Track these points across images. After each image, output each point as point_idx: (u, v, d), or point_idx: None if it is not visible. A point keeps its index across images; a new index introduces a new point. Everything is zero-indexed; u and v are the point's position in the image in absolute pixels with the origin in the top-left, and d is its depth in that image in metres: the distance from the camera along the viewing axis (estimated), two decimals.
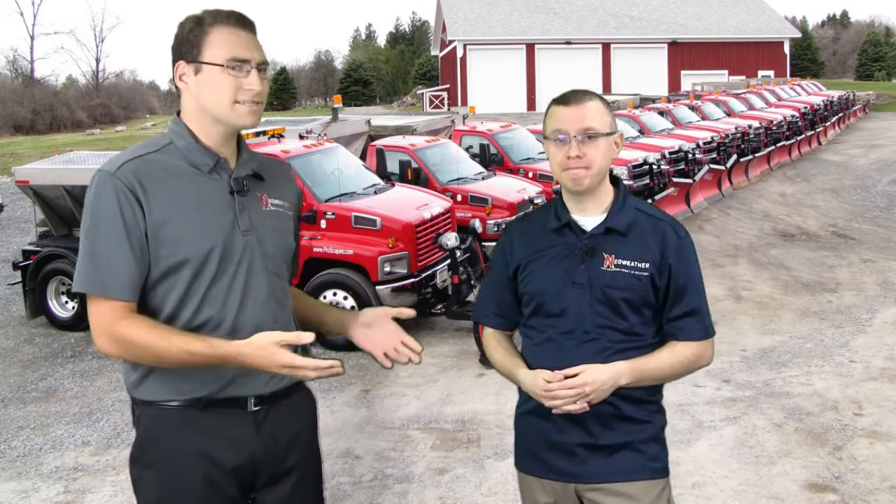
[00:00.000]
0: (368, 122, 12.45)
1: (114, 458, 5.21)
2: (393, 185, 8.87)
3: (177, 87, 2.07)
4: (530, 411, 2.28)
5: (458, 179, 10.04)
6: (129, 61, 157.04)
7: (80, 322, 8.16)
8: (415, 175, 9.55)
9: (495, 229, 9.45)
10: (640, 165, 12.76)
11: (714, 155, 15.87)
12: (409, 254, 7.50)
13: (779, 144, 19.18)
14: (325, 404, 5.86)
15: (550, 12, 44.36)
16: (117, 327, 1.93)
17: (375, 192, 8.30)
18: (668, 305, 2.18)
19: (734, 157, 16.17)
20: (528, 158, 12.09)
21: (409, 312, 2.22)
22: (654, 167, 12.91)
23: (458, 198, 9.58)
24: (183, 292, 1.99)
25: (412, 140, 10.69)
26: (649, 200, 11.09)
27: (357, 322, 2.25)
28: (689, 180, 13.63)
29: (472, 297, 7.85)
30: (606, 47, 42.86)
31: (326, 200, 7.70)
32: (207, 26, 1.98)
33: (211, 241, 1.98)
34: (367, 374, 6.69)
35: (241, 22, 2.01)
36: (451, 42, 42.97)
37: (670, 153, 14.16)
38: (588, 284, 2.16)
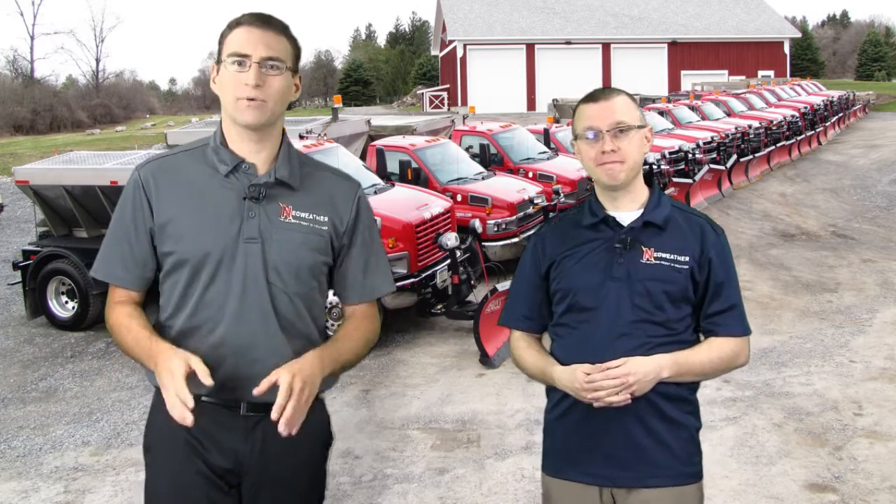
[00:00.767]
0: (368, 122, 12.46)
1: (114, 458, 5.21)
2: (393, 185, 8.87)
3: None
4: (565, 412, 2.23)
5: (458, 179, 10.04)
6: (129, 61, 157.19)
7: (80, 322, 8.17)
8: (415, 175, 9.55)
9: (495, 229, 9.46)
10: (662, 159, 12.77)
11: (714, 155, 15.87)
12: (409, 254, 7.50)
13: (779, 144, 19.17)
14: (325, 404, 5.86)
15: (550, 12, 44.37)
16: (107, 311, 2.11)
17: (375, 192, 8.30)
18: (707, 301, 2.17)
19: (734, 157, 16.17)
20: (528, 158, 12.08)
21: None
22: (655, 167, 12.91)
23: (458, 198, 9.58)
24: (182, 292, 2.05)
25: (412, 140, 10.69)
26: None
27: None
28: (689, 180, 13.63)
29: (472, 298, 7.85)
30: (606, 47, 42.86)
31: None
32: (232, 28, 2.04)
33: (208, 245, 2.00)
34: (367, 374, 6.69)
35: (260, 20, 2.03)
36: (451, 42, 42.97)
37: (670, 153, 14.17)
38: (627, 278, 2.14)
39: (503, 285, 6.86)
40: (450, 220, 8.35)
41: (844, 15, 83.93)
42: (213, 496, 2.07)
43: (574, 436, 2.22)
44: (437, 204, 8.32)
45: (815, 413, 5.46)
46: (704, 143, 15.93)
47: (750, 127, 18.91)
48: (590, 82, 38.46)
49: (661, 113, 18.08)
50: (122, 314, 2.06)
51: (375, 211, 8.76)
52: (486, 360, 6.73)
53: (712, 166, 14.52)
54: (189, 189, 2.04)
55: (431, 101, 42.65)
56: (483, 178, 10.31)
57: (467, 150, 11.66)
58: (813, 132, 22.29)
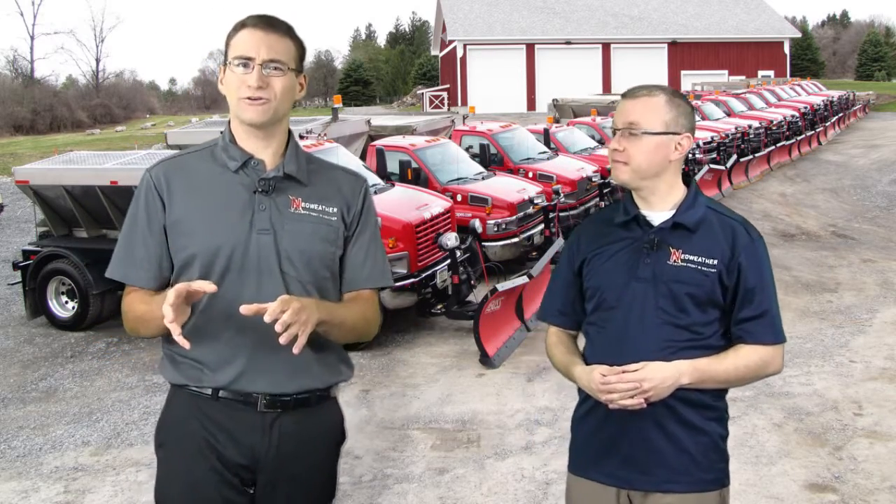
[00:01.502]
0: (368, 122, 12.45)
1: (114, 458, 5.21)
2: (393, 185, 8.87)
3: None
4: (588, 412, 2.23)
5: (458, 179, 10.04)
6: (129, 61, 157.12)
7: (80, 322, 8.17)
8: (415, 175, 9.55)
9: (495, 229, 9.46)
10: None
11: (714, 155, 15.87)
12: (409, 254, 7.50)
13: (779, 144, 19.18)
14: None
15: (550, 12, 44.36)
16: (124, 304, 2.14)
17: (375, 193, 8.29)
18: (737, 307, 2.12)
19: (734, 157, 16.17)
20: (528, 158, 12.08)
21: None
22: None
23: (458, 198, 9.58)
24: None
25: (412, 140, 10.69)
26: None
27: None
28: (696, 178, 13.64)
29: (472, 298, 7.85)
30: (606, 47, 42.86)
31: None
32: (237, 30, 2.09)
33: (220, 239, 2.05)
34: (367, 374, 6.69)
35: (264, 22, 2.08)
36: (451, 42, 42.97)
37: None
38: (652, 279, 2.12)
39: (503, 285, 6.86)
40: (450, 220, 8.35)
41: (844, 15, 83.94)
42: (226, 493, 2.10)
43: (595, 436, 2.22)
44: (437, 204, 8.32)
45: (815, 413, 5.46)
46: (704, 143, 15.93)
47: (750, 127, 18.92)
48: (590, 82, 38.31)
49: None
50: (140, 294, 2.10)
51: (375, 211, 8.74)
52: (486, 360, 6.73)
53: (712, 166, 14.52)
54: (200, 186, 2.10)
55: (431, 101, 42.65)
56: (483, 178, 10.31)
57: (467, 150, 11.66)
58: (813, 132, 22.29)
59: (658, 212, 2.18)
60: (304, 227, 2.11)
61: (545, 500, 4.42)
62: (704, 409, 2.15)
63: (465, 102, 39.08)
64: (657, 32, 43.42)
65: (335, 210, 2.15)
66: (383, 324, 7.46)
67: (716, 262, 2.11)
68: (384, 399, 6.11)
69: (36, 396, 6.53)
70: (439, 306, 7.70)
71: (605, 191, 11.77)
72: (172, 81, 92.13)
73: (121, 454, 5.26)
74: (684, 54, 43.16)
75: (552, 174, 11.52)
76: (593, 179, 12.00)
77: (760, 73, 41.12)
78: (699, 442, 2.14)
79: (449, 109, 35.41)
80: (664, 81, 41.03)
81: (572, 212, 11.22)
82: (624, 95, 2.21)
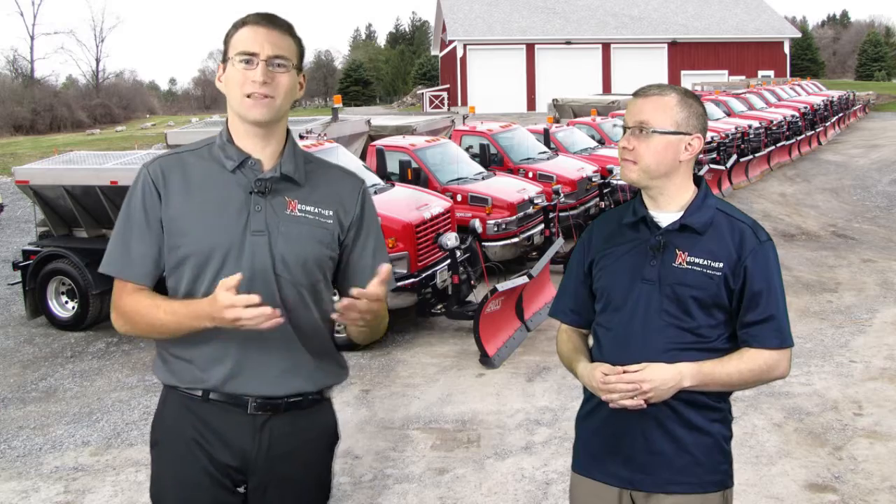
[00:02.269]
0: (368, 122, 12.46)
1: (114, 458, 5.21)
2: (393, 185, 8.87)
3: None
4: (592, 411, 2.23)
5: (458, 179, 10.04)
6: (129, 61, 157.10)
7: (80, 322, 8.17)
8: (415, 175, 9.55)
9: (495, 229, 9.46)
10: None
11: (714, 155, 15.87)
12: (409, 254, 7.50)
13: (779, 144, 19.18)
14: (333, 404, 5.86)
15: (550, 12, 44.36)
16: (120, 302, 2.08)
17: (375, 193, 8.29)
18: (743, 310, 2.10)
19: (734, 157, 16.17)
20: (528, 158, 12.09)
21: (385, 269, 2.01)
22: None
23: (458, 198, 9.58)
24: (188, 286, 2.07)
25: (412, 140, 10.70)
26: None
27: None
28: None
29: (472, 298, 7.85)
30: (606, 47, 42.86)
31: None
32: (237, 28, 2.08)
33: (214, 240, 2.03)
34: (367, 374, 6.69)
35: (266, 20, 2.07)
36: (451, 42, 42.97)
37: None
38: (657, 280, 2.11)
39: (503, 285, 6.86)
40: (450, 220, 8.35)
41: (844, 15, 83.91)
42: (218, 495, 2.09)
43: (598, 435, 2.22)
44: (437, 204, 8.32)
45: (815, 413, 5.46)
46: (704, 143, 15.91)
47: (750, 127, 18.92)
48: (590, 82, 38.28)
49: None
50: (142, 297, 2.05)
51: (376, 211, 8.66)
52: (486, 360, 6.72)
53: (712, 166, 14.52)
54: (196, 185, 2.07)
55: (431, 101, 42.64)
56: (483, 178, 10.32)
57: (467, 150, 11.66)
58: (813, 132, 22.29)
59: (666, 213, 2.18)
60: (300, 229, 2.08)
61: (545, 500, 4.42)
62: (708, 410, 2.14)
63: (465, 102, 39.07)
64: (657, 32, 43.42)
65: (331, 213, 2.13)
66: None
67: (721, 264, 2.09)
68: (384, 399, 6.11)
69: (36, 396, 6.53)
70: (439, 306, 7.70)
71: (605, 191, 11.79)
72: (172, 81, 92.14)
73: (121, 454, 5.26)
74: (684, 54, 43.15)
75: (552, 174, 11.52)
76: (593, 179, 12.00)
77: (760, 73, 41.12)
78: (702, 443, 2.14)
79: (449, 109, 35.41)
80: (664, 81, 40.87)
81: (572, 212, 11.23)
82: (635, 94, 2.20)
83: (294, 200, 2.10)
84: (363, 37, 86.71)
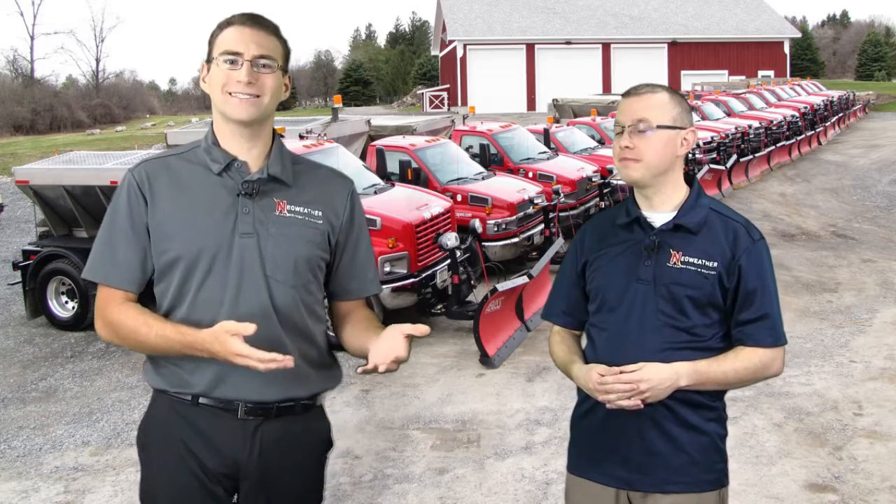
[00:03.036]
0: (368, 122, 12.46)
1: (114, 458, 5.20)
2: (393, 185, 8.87)
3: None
4: (588, 412, 2.23)
5: (458, 179, 10.04)
6: (129, 61, 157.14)
7: (80, 322, 8.16)
8: (415, 175, 9.55)
9: (495, 229, 9.46)
10: None
11: (714, 155, 15.87)
12: (409, 254, 7.50)
13: (779, 144, 19.18)
14: (325, 404, 5.86)
15: (550, 12, 44.36)
16: (108, 311, 2.04)
17: (375, 192, 8.30)
18: (737, 309, 2.11)
19: (734, 157, 16.17)
20: (528, 158, 12.09)
21: (423, 329, 1.99)
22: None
23: (458, 198, 9.58)
24: (177, 291, 2.04)
25: (412, 140, 10.70)
26: None
27: (376, 337, 2.09)
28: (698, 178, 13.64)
29: (472, 298, 7.85)
30: (606, 47, 42.86)
31: None
32: (222, 28, 2.05)
33: (202, 242, 2.00)
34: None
35: (252, 20, 2.04)
36: (451, 42, 42.96)
37: None
38: (652, 281, 2.12)
39: (503, 285, 6.86)
40: (450, 220, 8.35)
41: (844, 15, 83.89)
42: (207, 501, 2.06)
43: (594, 436, 2.22)
44: (437, 204, 8.32)
45: (815, 413, 5.46)
46: (704, 143, 15.93)
47: (750, 127, 18.93)
48: (590, 82, 38.20)
49: None
50: (131, 311, 2.02)
51: (375, 211, 8.74)
52: (486, 360, 6.72)
53: (712, 166, 14.53)
54: (182, 188, 2.04)
55: (431, 101, 42.64)
56: (483, 178, 10.32)
57: (467, 150, 11.66)
58: (813, 132, 22.29)
59: (660, 213, 2.18)
60: (290, 230, 2.06)
61: (545, 500, 4.42)
62: (703, 409, 2.15)
63: (465, 102, 39.07)
64: (657, 32, 43.41)
65: (321, 213, 2.11)
66: (383, 324, 7.46)
67: (716, 264, 2.10)
68: (384, 399, 6.11)
69: (36, 396, 6.53)
70: (439, 306, 7.70)
71: (605, 191, 11.80)
72: (172, 81, 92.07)
73: (121, 454, 5.26)
74: (684, 54, 43.15)
75: (552, 174, 11.52)
76: (593, 179, 12.00)
77: (760, 73, 41.12)
78: (699, 442, 2.14)
79: (449, 109, 35.42)
80: (664, 81, 40.95)
81: (572, 212, 11.23)
82: (626, 94, 2.19)
83: (283, 201, 2.07)
84: (363, 37, 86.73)
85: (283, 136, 9.15)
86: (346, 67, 65.75)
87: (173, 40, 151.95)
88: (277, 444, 2.08)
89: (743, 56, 43.46)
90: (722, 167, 15.03)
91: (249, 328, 1.86)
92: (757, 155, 17.35)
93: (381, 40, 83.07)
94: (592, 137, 14.79)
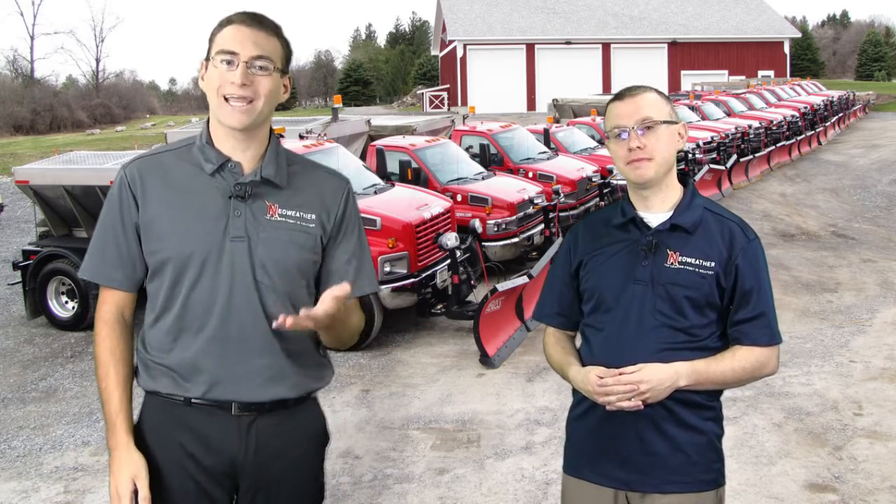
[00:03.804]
0: (368, 122, 12.46)
1: None
2: (393, 185, 8.87)
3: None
4: (584, 413, 2.22)
5: (458, 179, 10.04)
6: (129, 61, 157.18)
7: (80, 322, 8.16)
8: (415, 175, 9.55)
9: (495, 229, 9.46)
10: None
11: (714, 155, 15.88)
12: (409, 254, 7.50)
13: (779, 144, 19.18)
14: (326, 404, 5.84)
15: (550, 12, 44.36)
16: (100, 322, 2.08)
17: (375, 192, 8.30)
18: (734, 308, 2.12)
19: (734, 157, 16.17)
20: (528, 158, 12.09)
21: (343, 288, 1.91)
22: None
23: (458, 198, 9.58)
24: (167, 293, 2.02)
25: (412, 140, 10.70)
26: None
27: None
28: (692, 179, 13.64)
29: (472, 298, 7.85)
30: (606, 47, 42.86)
31: None
32: (222, 26, 2.01)
33: (192, 245, 1.98)
34: (366, 374, 6.69)
35: (252, 19, 2.00)
36: (451, 42, 42.97)
37: None
38: (650, 281, 2.11)
39: (503, 285, 6.86)
40: (450, 220, 8.35)
41: (844, 15, 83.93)
42: (203, 502, 2.05)
43: (591, 437, 2.21)
44: (437, 204, 8.32)
45: (815, 413, 5.46)
46: (704, 143, 15.93)
47: (750, 127, 18.92)
48: (590, 82, 38.22)
49: None
50: (106, 346, 2.06)
51: (375, 211, 8.71)
52: (486, 360, 6.73)
53: (712, 166, 14.53)
54: (174, 188, 2.02)
55: (431, 101, 42.64)
56: (483, 178, 10.32)
57: (467, 150, 11.66)
58: (813, 132, 22.29)
59: (656, 213, 2.18)
60: (280, 234, 2.03)
61: (545, 500, 4.42)
62: (701, 409, 2.15)
63: (465, 102, 39.08)
64: (657, 32, 43.42)
65: (313, 216, 2.07)
66: (383, 324, 7.48)
67: (713, 263, 2.10)
68: (384, 399, 6.11)
69: (36, 396, 6.53)
70: (439, 306, 7.70)
71: (605, 191, 11.79)
72: (172, 81, 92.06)
73: None
74: (684, 54, 43.16)
75: (552, 174, 11.52)
76: (593, 179, 12.00)
77: (760, 73, 41.13)
78: (696, 442, 2.15)
79: (449, 109, 35.44)
80: (664, 81, 41.13)
81: (572, 212, 11.23)
82: (620, 98, 2.18)
83: (275, 205, 2.04)
84: (363, 37, 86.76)
85: (282, 136, 9.12)
86: (346, 67, 65.74)
87: (173, 40, 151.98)
88: (273, 439, 2.06)
89: (743, 56, 43.46)
90: (722, 167, 15.03)
91: (145, 499, 1.97)
92: (757, 155, 17.35)
93: (381, 40, 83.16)
94: (592, 137, 14.79)
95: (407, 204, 8.09)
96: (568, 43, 42.57)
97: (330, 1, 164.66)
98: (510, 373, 6.53)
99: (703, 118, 19.30)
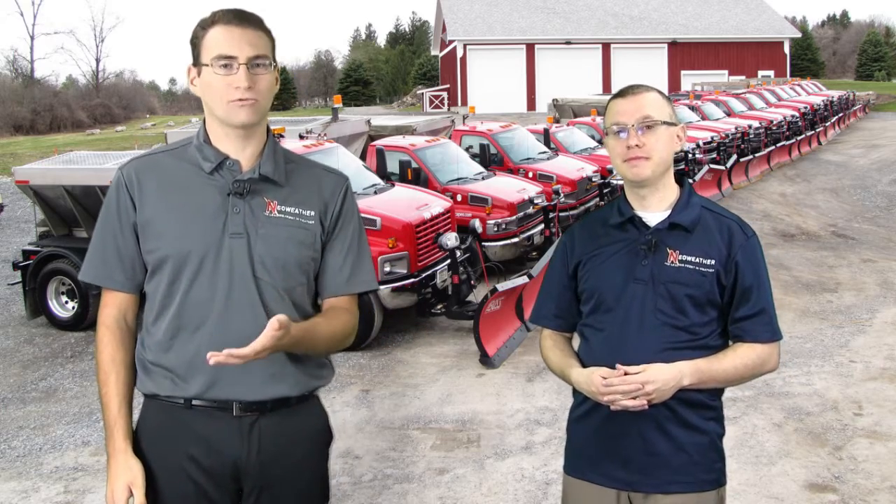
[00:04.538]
0: (368, 122, 12.46)
1: None
2: (393, 185, 8.87)
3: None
4: (586, 414, 2.21)
5: (458, 179, 10.04)
6: (129, 61, 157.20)
7: (80, 322, 8.16)
8: (415, 175, 9.55)
9: (495, 229, 9.46)
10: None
11: (714, 155, 15.88)
12: (409, 254, 7.50)
13: (779, 144, 19.18)
14: (326, 404, 5.84)
15: (550, 12, 44.37)
16: (102, 326, 2.07)
17: (375, 192, 8.30)
18: (734, 306, 2.12)
19: (734, 157, 16.17)
20: (528, 158, 12.09)
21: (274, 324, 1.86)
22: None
23: (458, 198, 9.58)
24: (165, 291, 2.02)
25: (412, 140, 10.70)
26: None
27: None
28: (689, 180, 13.62)
29: (472, 298, 7.85)
30: (606, 47, 42.86)
31: None
32: (207, 28, 1.99)
33: (191, 242, 1.98)
34: (366, 374, 6.69)
35: (238, 18, 1.98)
36: (451, 42, 42.97)
37: None
38: (650, 280, 2.11)
39: (503, 285, 6.86)
40: (450, 220, 8.35)
41: (844, 15, 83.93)
42: (216, 498, 2.04)
43: (594, 438, 2.21)
44: (437, 204, 8.32)
45: (815, 413, 5.46)
46: (704, 143, 15.93)
47: (750, 127, 18.93)
48: (590, 82, 38.23)
49: None
50: (107, 352, 2.04)
51: (375, 211, 8.71)
52: (486, 360, 6.73)
53: (712, 166, 14.52)
54: (172, 186, 2.02)
55: (431, 101, 42.64)
56: (483, 178, 10.32)
57: (467, 150, 11.66)
58: (813, 132, 22.29)
59: (653, 212, 2.18)
60: (280, 231, 2.02)
61: (545, 500, 4.42)
62: (704, 408, 2.15)
63: (465, 102, 39.07)
64: (657, 32, 43.42)
65: (312, 213, 2.07)
66: (383, 324, 7.48)
67: (713, 262, 2.10)
68: (384, 399, 6.11)
69: (36, 396, 6.53)
70: (439, 306, 7.70)
71: (605, 191, 11.79)
72: (172, 81, 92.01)
73: None
74: (684, 54, 43.15)
75: (552, 174, 11.52)
76: (593, 179, 12.00)
77: (760, 73, 41.13)
78: (699, 442, 2.14)
79: (449, 109, 35.43)
80: (664, 81, 41.14)
81: (572, 212, 11.22)
82: (621, 96, 2.18)
83: (273, 201, 2.03)
84: (363, 37, 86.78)
85: (282, 137, 9.12)
86: (346, 67, 65.75)
87: (173, 40, 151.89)
88: (275, 439, 2.05)
89: (743, 56, 43.46)
90: (722, 167, 15.03)
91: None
92: (757, 155, 17.35)
93: (381, 40, 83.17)
94: (592, 137, 14.79)
95: (407, 204, 8.09)
96: (568, 43, 42.57)
97: (330, 1, 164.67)
98: (510, 373, 6.53)
99: (703, 118, 19.30)
